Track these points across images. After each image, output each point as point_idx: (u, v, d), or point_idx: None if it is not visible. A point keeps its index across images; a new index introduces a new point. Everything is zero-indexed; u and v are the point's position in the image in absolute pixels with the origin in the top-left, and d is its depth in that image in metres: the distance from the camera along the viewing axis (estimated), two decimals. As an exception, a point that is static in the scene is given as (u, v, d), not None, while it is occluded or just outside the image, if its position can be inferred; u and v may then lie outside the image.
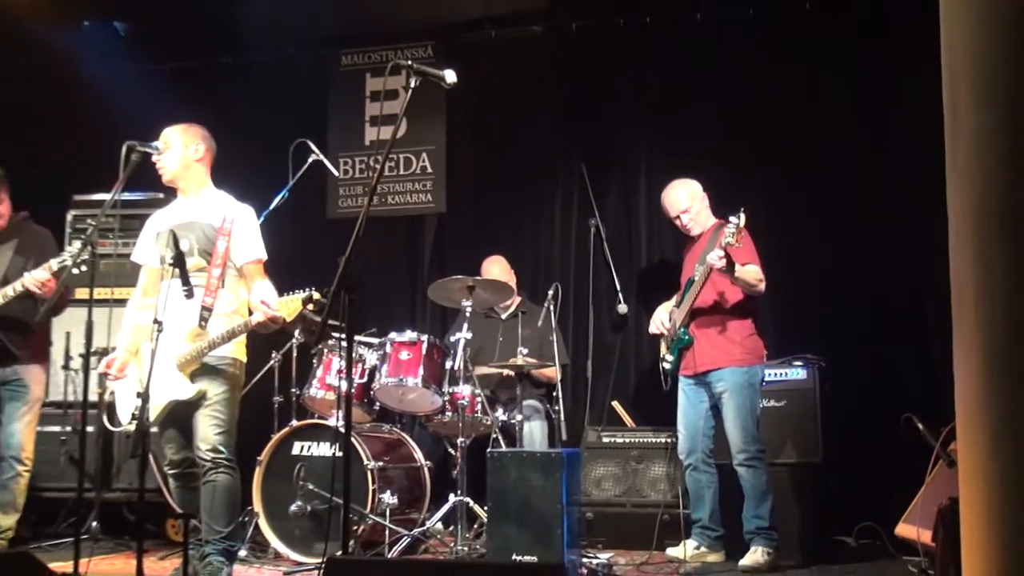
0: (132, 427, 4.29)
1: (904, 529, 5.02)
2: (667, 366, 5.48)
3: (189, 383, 4.39)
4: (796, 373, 5.74)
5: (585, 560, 5.09)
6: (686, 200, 5.53)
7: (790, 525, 5.37)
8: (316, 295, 4.24)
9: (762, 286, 5.25)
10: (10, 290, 5.20)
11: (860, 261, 6.24)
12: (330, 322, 5.00)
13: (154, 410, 4.35)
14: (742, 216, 5.00)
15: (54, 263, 5.10)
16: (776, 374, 5.72)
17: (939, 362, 5.58)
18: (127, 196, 4.57)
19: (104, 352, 5.60)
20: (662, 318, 5.55)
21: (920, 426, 4.88)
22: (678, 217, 5.56)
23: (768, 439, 5.37)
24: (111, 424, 4.81)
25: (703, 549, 5.36)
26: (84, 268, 4.33)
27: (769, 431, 5.45)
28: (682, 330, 5.35)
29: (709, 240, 5.39)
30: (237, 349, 4.52)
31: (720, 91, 6.67)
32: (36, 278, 5.11)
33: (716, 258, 5.02)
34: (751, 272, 5.18)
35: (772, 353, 5.70)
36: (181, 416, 4.45)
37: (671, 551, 5.41)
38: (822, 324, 6.20)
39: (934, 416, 4.84)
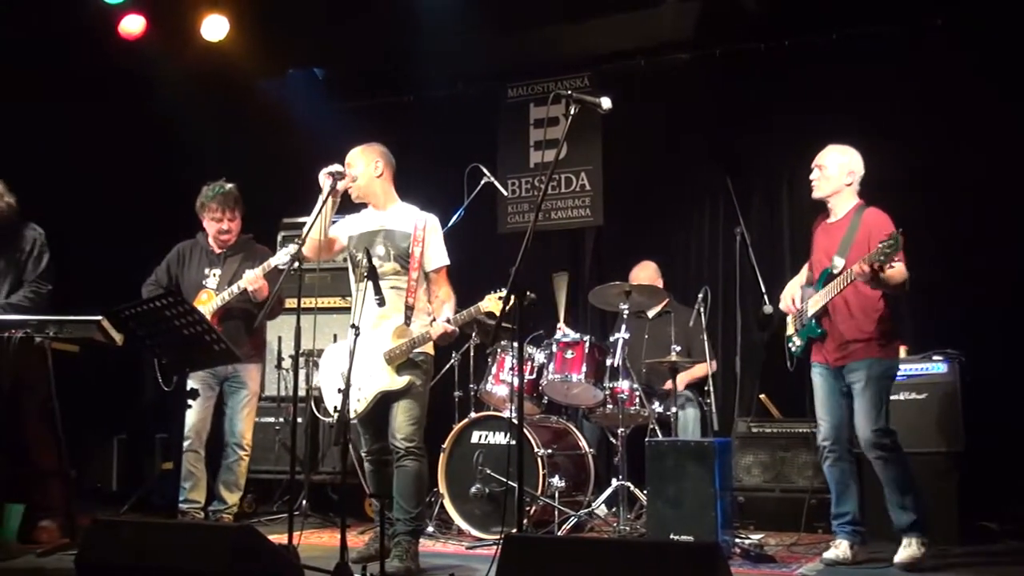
0: (335, 418, 4.42)
1: None
2: (793, 349, 4.97)
3: (397, 376, 4.48)
4: (937, 367, 5.46)
5: (737, 540, 4.97)
6: (828, 158, 4.89)
7: (934, 513, 4.94)
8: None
9: (906, 287, 4.62)
10: (235, 287, 5.39)
11: (1004, 256, 5.90)
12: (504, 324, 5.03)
13: (363, 401, 4.47)
14: (899, 238, 4.33)
15: (269, 262, 5.32)
16: (917, 368, 5.45)
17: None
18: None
19: (310, 353, 5.82)
20: (793, 295, 4.99)
21: None
22: (812, 169, 4.96)
23: (910, 430, 4.99)
24: (320, 414, 4.94)
25: (857, 548, 4.70)
26: (294, 268, 4.44)
27: (910, 423, 5.15)
28: (813, 323, 4.85)
29: (849, 228, 4.78)
30: (428, 345, 4.59)
31: (856, 105, 6.44)
32: (249, 278, 5.32)
33: (861, 272, 4.45)
34: (897, 276, 4.51)
35: (914, 348, 5.42)
36: (381, 409, 4.54)
37: (828, 555, 4.68)
38: (963, 318, 5.86)
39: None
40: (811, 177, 4.95)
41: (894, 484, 4.63)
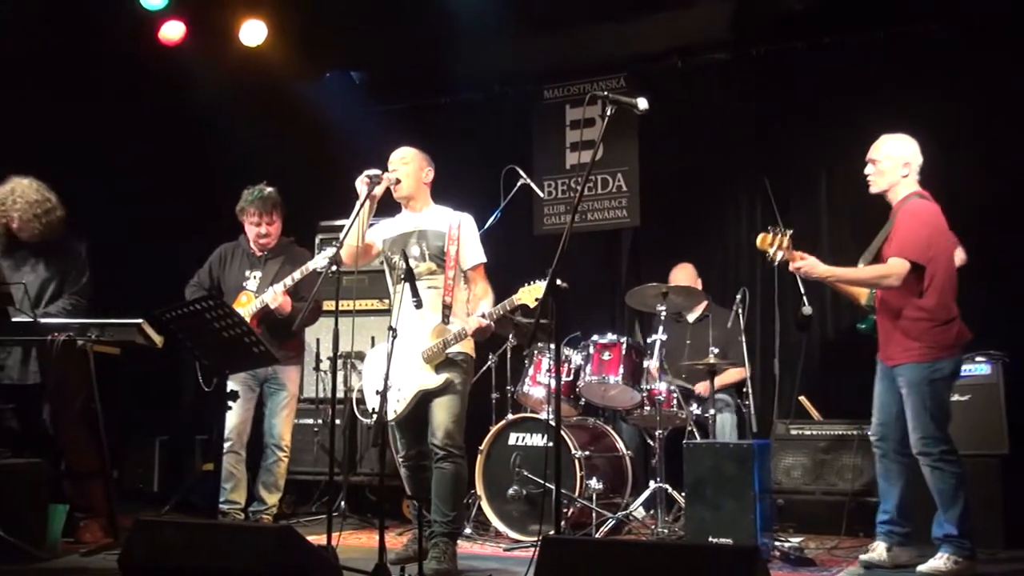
0: (386, 416, 4.43)
1: None
2: (862, 326, 4.90)
3: (435, 374, 4.49)
4: (980, 369, 5.38)
5: (777, 543, 4.93)
6: (881, 151, 4.71)
7: (978, 516, 4.74)
8: (563, 284, 4.24)
9: (887, 282, 4.49)
10: (279, 286, 5.41)
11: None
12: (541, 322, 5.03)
13: (403, 401, 4.49)
14: (778, 236, 4.44)
15: (308, 265, 5.35)
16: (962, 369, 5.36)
17: None
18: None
19: (348, 356, 5.84)
20: None
21: None
22: (866, 163, 4.77)
23: (952, 432, 4.78)
24: (361, 415, 4.96)
25: (895, 550, 4.63)
26: (332, 271, 4.47)
27: (953, 424, 5.07)
28: (870, 318, 4.79)
29: (888, 223, 4.71)
30: (468, 345, 4.60)
31: (897, 104, 6.36)
32: (270, 296, 5.37)
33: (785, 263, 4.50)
34: (853, 275, 4.62)
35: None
36: (420, 411, 4.55)
37: (864, 557, 4.67)
38: (1007, 318, 5.76)
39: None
40: (865, 172, 4.78)
41: (936, 494, 4.50)
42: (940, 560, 4.43)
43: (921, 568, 4.46)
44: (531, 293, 4.35)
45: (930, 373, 4.51)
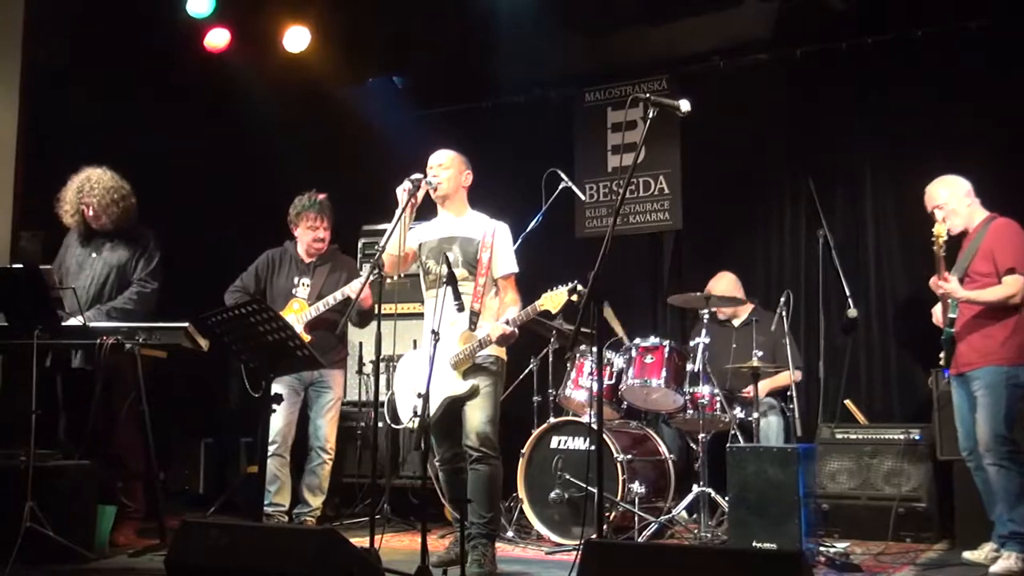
0: (413, 424, 4.45)
1: None
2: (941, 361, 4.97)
3: (462, 380, 4.51)
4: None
5: (822, 548, 4.87)
6: (942, 195, 4.94)
7: None
8: (579, 287, 4.25)
9: (1015, 300, 4.66)
10: (331, 299, 5.49)
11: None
12: (582, 329, 5.02)
13: (432, 407, 4.50)
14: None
15: (344, 290, 5.42)
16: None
17: None
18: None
19: (391, 359, 5.88)
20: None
21: None
22: (932, 211, 4.95)
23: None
24: (392, 422, 4.98)
25: (1003, 551, 4.69)
26: (375, 274, 4.51)
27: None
28: (947, 331, 4.85)
29: (974, 240, 4.87)
30: (498, 349, 4.60)
31: (942, 104, 6.29)
32: (321, 308, 5.45)
33: None
34: (986, 296, 4.67)
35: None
36: (453, 415, 4.57)
37: (967, 555, 4.87)
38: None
39: None
40: (937, 220, 4.87)
41: (1005, 493, 4.62)
42: (1010, 560, 4.54)
43: (993, 569, 4.56)
44: (553, 299, 4.33)
45: (1008, 378, 4.67)
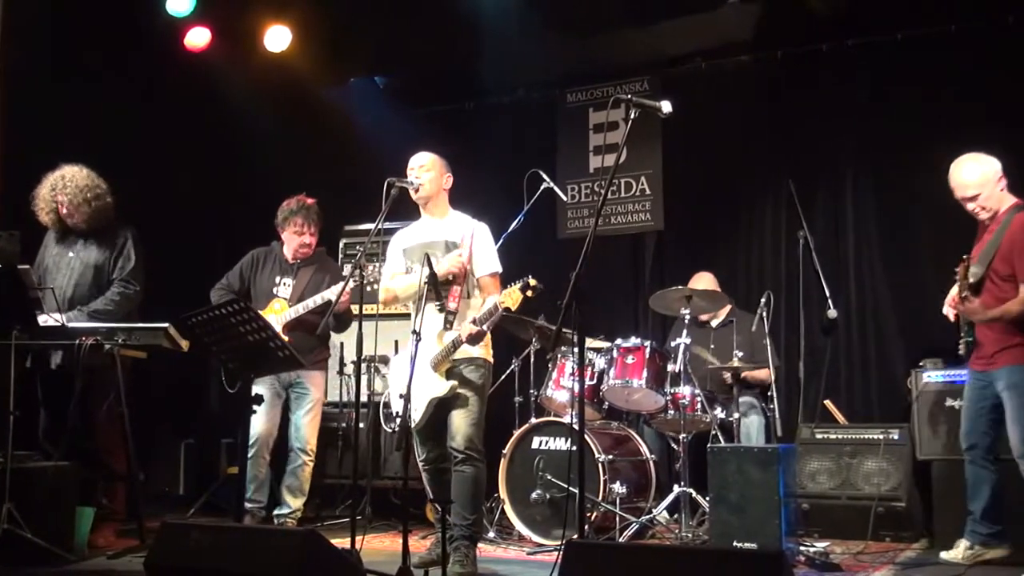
0: (394, 427, 4.44)
1: None
2: (961, 351, 4.88)
3: (444, 380, 4.49)
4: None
5: (802, 548, 4.89)
6: (975, 184, 4.66)
7: None
8: (532, 281, 4.23)
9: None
10: (311, 301, 5.48)
11: None
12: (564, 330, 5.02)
13: (419, 410, 4.49)
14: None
15: (324, 294, 5.40)
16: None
17: None
18: (388, 225, 4.73)
19: (372, 360, 5.87)
20: (953, 296, 4.82)
21: None
22: (963, 202, 4.72)
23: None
24: (386, 425, 4.96)
25: (977, 548, 4.76)
26: (355, 276, 4.51)
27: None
28: (967, 328, 4.80)
29: (997, 231, 4.65)
30: (484, 350, 4.59)
31: (922, 106, 6.34)
32: (300, 310, 5.45)
33: None
34: (1012, 313, 4.52)
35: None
36: (438, 417, 4.55)
37: (944, 555, 4.85)
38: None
39: None
40: (969, 208, 4.73)
41: None
42: None
43: None
44: (509, 296, 4.29)
45: None
